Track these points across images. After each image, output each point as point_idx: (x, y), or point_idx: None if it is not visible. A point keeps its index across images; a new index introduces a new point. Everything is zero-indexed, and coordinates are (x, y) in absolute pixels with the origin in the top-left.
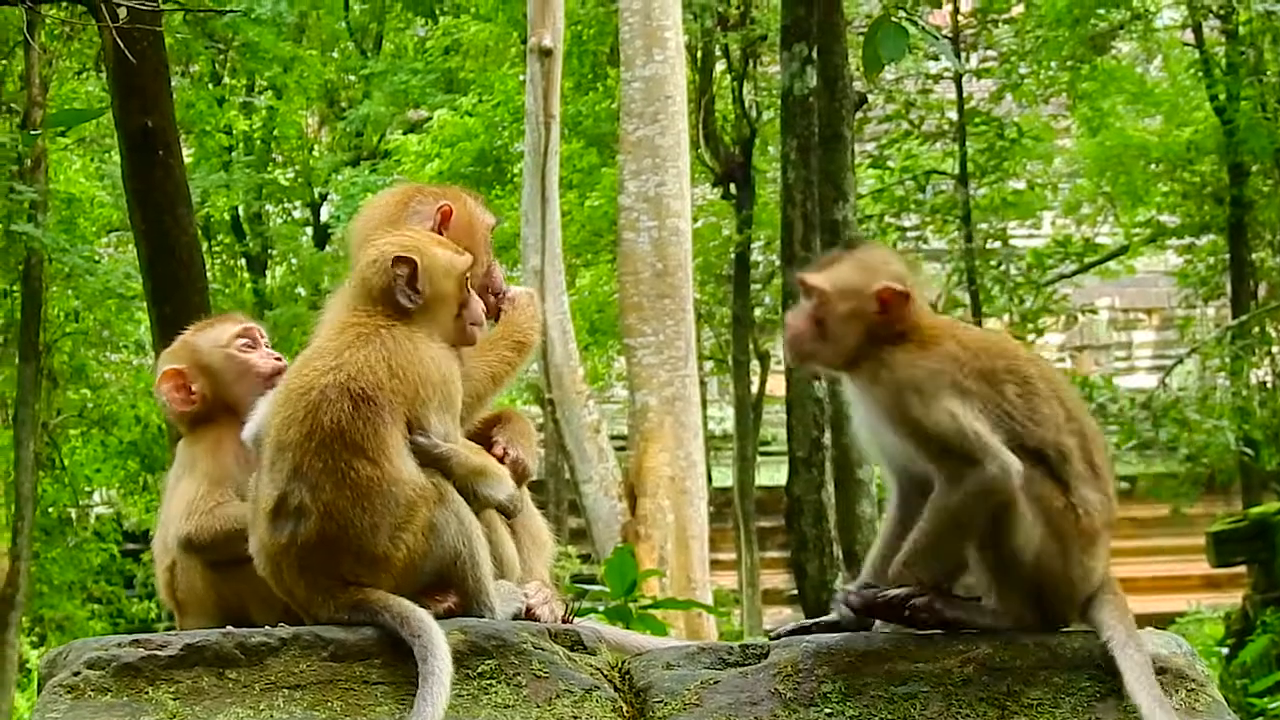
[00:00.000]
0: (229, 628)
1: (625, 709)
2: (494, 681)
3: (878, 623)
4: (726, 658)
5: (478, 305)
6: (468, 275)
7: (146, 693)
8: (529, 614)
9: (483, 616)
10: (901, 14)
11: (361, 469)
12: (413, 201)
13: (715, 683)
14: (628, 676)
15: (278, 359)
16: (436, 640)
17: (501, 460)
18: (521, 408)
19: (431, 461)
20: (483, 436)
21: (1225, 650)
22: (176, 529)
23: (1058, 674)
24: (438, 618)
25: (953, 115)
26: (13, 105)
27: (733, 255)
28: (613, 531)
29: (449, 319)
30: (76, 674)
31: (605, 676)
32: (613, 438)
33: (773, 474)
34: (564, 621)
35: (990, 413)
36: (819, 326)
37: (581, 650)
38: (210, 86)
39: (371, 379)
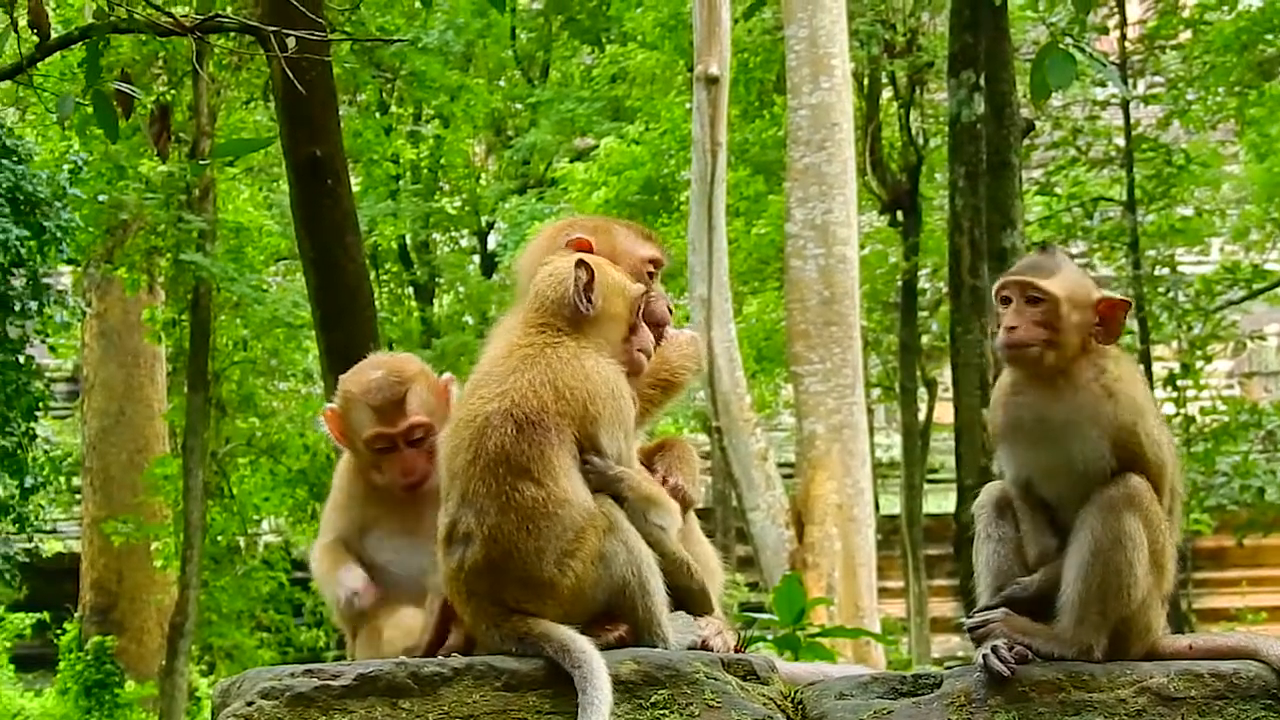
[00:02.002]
0: (402, 657)
1: None
2: (667, 711)
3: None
4: (899, 687)
5: (647, 335)
6: (639, 303)
7: None
8: (702, 645)
9: (655, 647)
10: (1069, 41)
11: (526, 490)
12: (563, 233)
13: (889, 713)
14: (801, 706)
15: (409, 473)
16: (596, 670)
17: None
18: (688, 435)
19: (605, 484)
20: (644, 464)
21: None
22: None
23: (1233, 704)
24: (609, 648)
25: (1120, 141)
26: (181, 135)
27: (900, 283)
28: (780, 559)
29: (618, 339)
30: (250, 704)
31: (778, 706)
32: (780, 465)
33: (940, 501)
34: (736, 651)
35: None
36: (1049, 331)
37: (754, 680)
38: (378, 115)
39: (536, 403)
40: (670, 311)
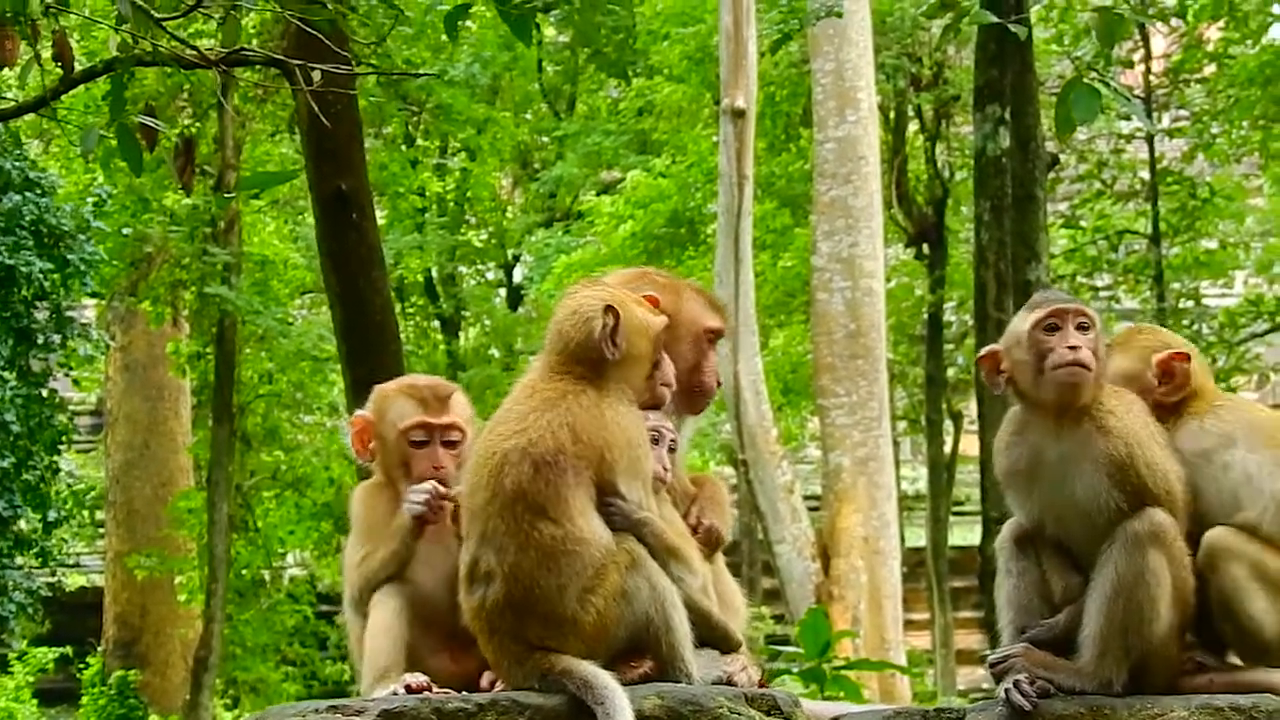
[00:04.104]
0: (426, 694)
1: None
2: None
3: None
4: None
5: (669, 366)
6: (662, 340)
7: None
8: (727, 680)
9: (679, 682)
10: (1094, 75)
11: (544, 529)
12: (633, 285)
13: None
14: None
15: (439, 466)
16: (619, 706)
17: (695, 529)
18: (715, 468)
19: (629, 528)
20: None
21: None
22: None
23: None
24: (633, 684)
25: (1145, 175)
26: (206, 168)
27: (926, 315)
28: (806, 592)
29: (641, 378)
30: None
31: None
32: (806, 498)
33: (966, 534)
34: (760, 685)
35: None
36: (1097, 359)
37: (778, 715)
38: (404, 148)
39: (553, 444)
40: (719, 384)
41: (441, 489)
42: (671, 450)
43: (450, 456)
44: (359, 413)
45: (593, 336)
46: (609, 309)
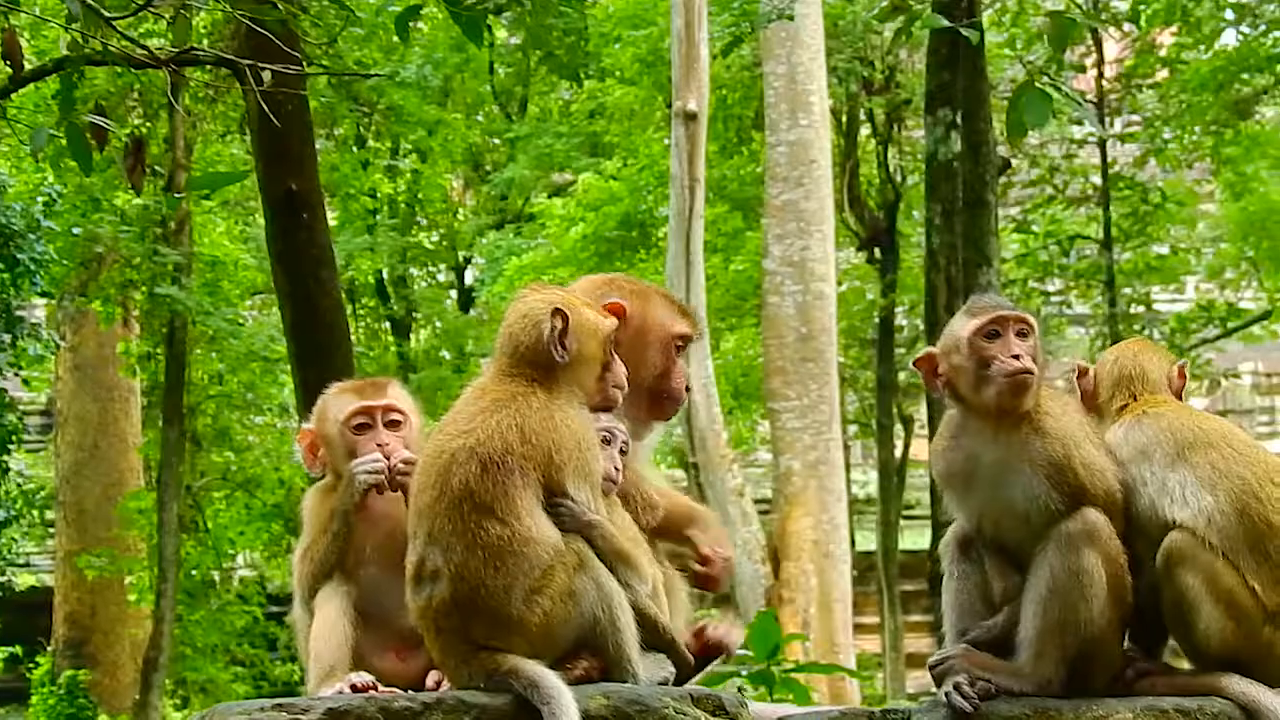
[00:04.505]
0: (372, 692)
1: None
2: None
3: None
4: None
5: (620, 368)
6: (611, 341)
7: None
8: (716, 645)
9: (625, 683)
10: (1046, 79)
11: (491, 529)
12: (600, 291)
13: None
14: None
15: (383, 444)
16: (565, 706)
17: (708, 561)
18: (665, 471)
19: (579, 528)
20: (677, 533)
21: None
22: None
23: None
24: (577, 683)
25: (1097, 180)
26: (157, 168)
27: (877, 319)
28: (756, 595)
29: (591, 380)
30: None
31: None
32: (756, 501)
33: (916, 538)
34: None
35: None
36: (1038, 365)
37: (724, 715)
38: (355, 149)
39: (501, 444)
40: (688, 389)
41: (390, 460)
42: (624, 452)
43: (395, 438)
44: (304, 426)
45: (541, 339)
46: (557, 312)
